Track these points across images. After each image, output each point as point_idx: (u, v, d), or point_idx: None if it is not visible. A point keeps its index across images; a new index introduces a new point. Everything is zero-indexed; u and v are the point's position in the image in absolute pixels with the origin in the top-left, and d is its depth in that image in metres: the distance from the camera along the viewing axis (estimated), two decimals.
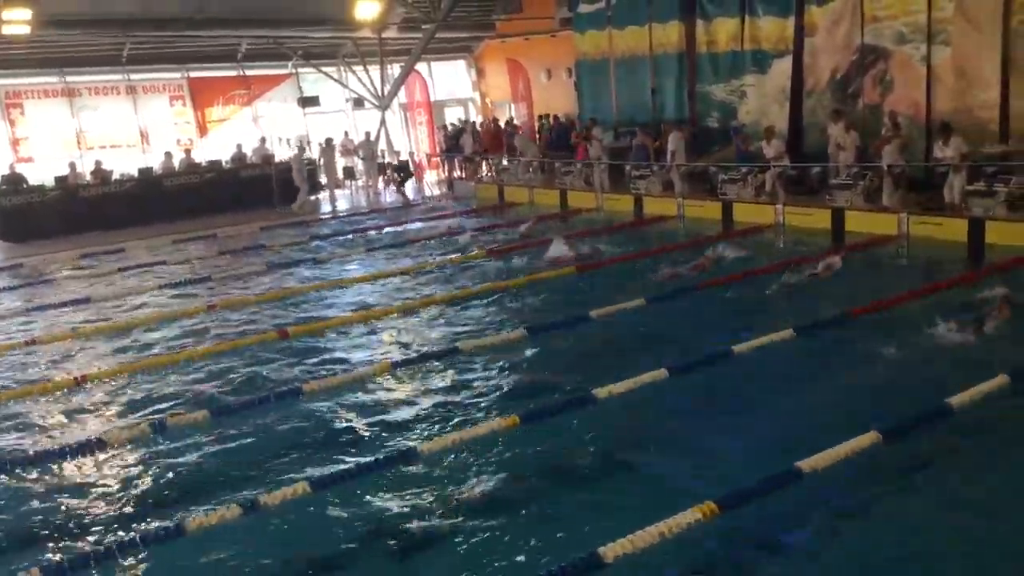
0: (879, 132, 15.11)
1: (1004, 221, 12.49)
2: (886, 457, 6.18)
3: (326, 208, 22.13)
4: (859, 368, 8.21)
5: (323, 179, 22.83)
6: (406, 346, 9.92)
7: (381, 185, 24.88)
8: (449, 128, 26.37)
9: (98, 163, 21.11)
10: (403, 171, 24.51)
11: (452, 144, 25.11)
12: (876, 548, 5.24)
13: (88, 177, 20.78)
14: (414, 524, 5.84)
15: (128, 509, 6.39)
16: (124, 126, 23.69)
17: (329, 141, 23.09)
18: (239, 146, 23.04)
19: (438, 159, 26.40)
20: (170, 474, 6.89)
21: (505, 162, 23.14)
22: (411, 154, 26.23)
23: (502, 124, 25.51)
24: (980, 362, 7.75)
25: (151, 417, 8.05)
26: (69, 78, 22.88)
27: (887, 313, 9.63)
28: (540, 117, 24.74)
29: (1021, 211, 12.64)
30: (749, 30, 18.08)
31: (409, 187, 24.83)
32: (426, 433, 7.30)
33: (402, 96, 27.23)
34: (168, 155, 22.13)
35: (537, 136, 24.20)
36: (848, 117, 15.76)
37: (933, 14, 14.83)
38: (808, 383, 7.97)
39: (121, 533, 5.98)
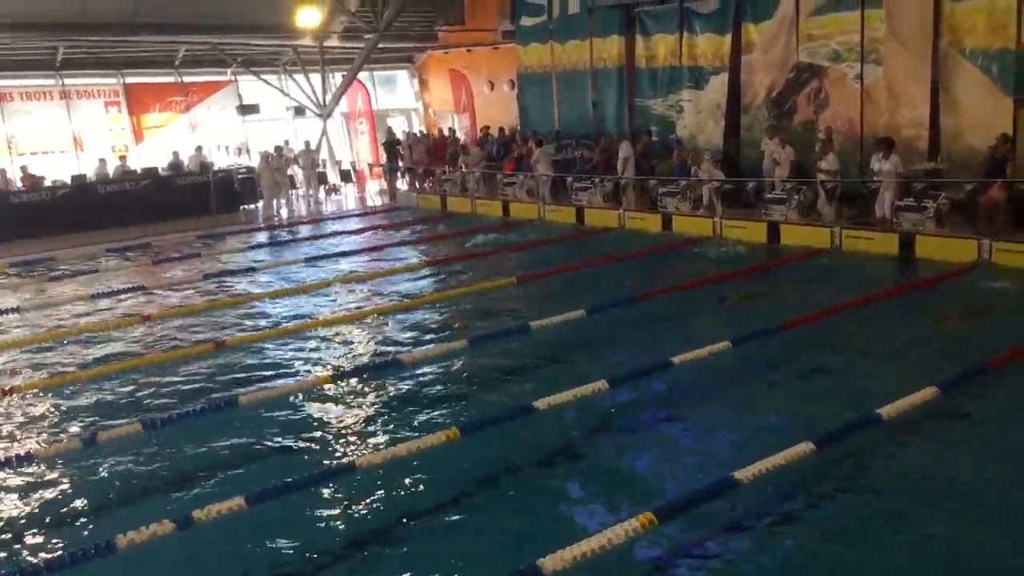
0: (814, 148, 15.47)
1: (932, 236, 12.88)
2: (819, 466, 6.31)
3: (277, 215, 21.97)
4: (793, 379, 8.39)
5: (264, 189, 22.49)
6: (346, 357, 9.84)
7: (322, 195, 24.69)
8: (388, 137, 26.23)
9: (24, 168, 20.53)
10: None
11: (389, 153, 24.96)
12: (811, 555, 5.34)
13: (18, 183, 20.21)
14: (352, 539, 5.79)
15: (56, 525, 6.22)
16: (57, 132, 23.08)
17: (279, 150, 22.87)
18: (175, 153, 22.63)
19: (380, 169, 26.25)
20: (100, 489, 6.72)
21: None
22: (345, 163, 26.08)
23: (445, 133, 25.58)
24: (911, 373, 7.95)
25: (81, 430, 7.86)
26: (0, 82, 22.26)
27: (821, 324, 9.83)
28: (482, 129, 24.77)
29: (948, 226, 13.05)
30: (687, 46, 18.38)
31: (351, 196, 24.72)
32: (365, 446, 7.24)
33: (343, 105, 27.07)
34: (102, 161, 21.63)
35: (480, 147, 24.20)
36: (783, 133, 16.11)
37: (866, 34, 15.25)
38: (745, 394, 8.11)
39: (49, 550, 5.83)
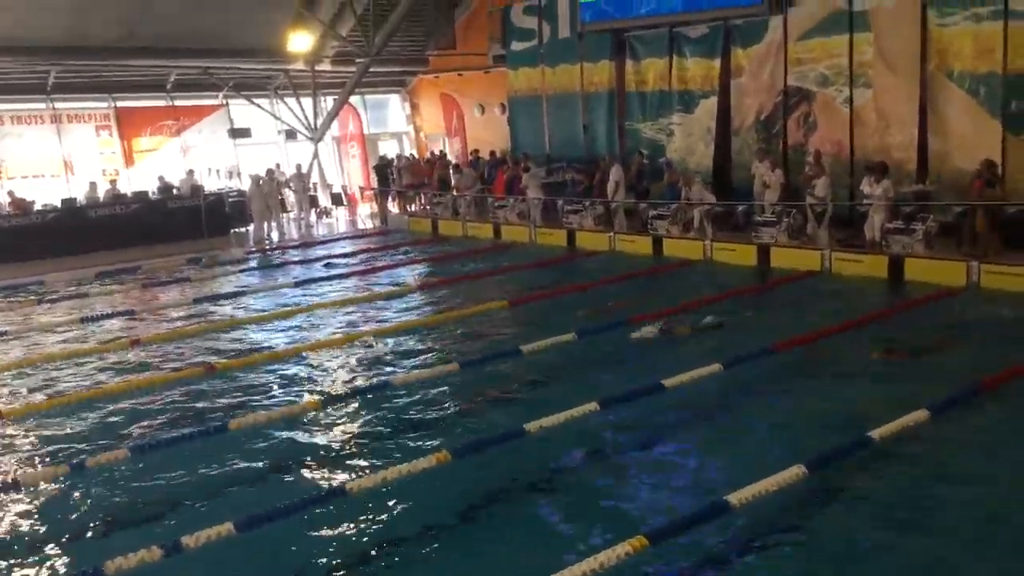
0: (803, 171, 15.56)
1: (922, 258, 12.93)
2: (811, 488, 6.29)
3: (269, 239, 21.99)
4: (784, 402, 8.38)
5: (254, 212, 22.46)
6: (336, 381, 9.80)
7: (313, 217, 24.71)
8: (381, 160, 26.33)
9: (11, 193, 20.52)
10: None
11: (381, 177, 25.07)
12: None
13: (7, 207, 20.15)
14: (342, 564, 5.74)
15: (43, 552, 6.15)
16: (47, 155, 23.06)
17: (270, 173, 22.91)
18: (161, 178, 22.63)
19: (371, 192, 26.32)
20: (88, 515, 6.66)
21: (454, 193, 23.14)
22: (337, 186, 26.18)
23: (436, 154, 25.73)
24: (902, 395, 7.95)
25: (69, 456, 7.79)
26: None
27: (811, 347, 9.84)
28: (472, 152, 24.85)
29: (937, 248, 13.11)
30: (677, 71, 18.51)
31: (342, 219, 24.77)
32: (356, 470, 7.20)
33: (335, 129, 27.14)
34: (93, 185, 21.63)
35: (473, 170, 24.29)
36: (773, 156, 16.21)
37: (855, 58, 15.39)
38: (736, 417, 8.10)
39: None
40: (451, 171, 23.66)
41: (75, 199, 20.86)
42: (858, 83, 15.45)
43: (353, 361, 10.58)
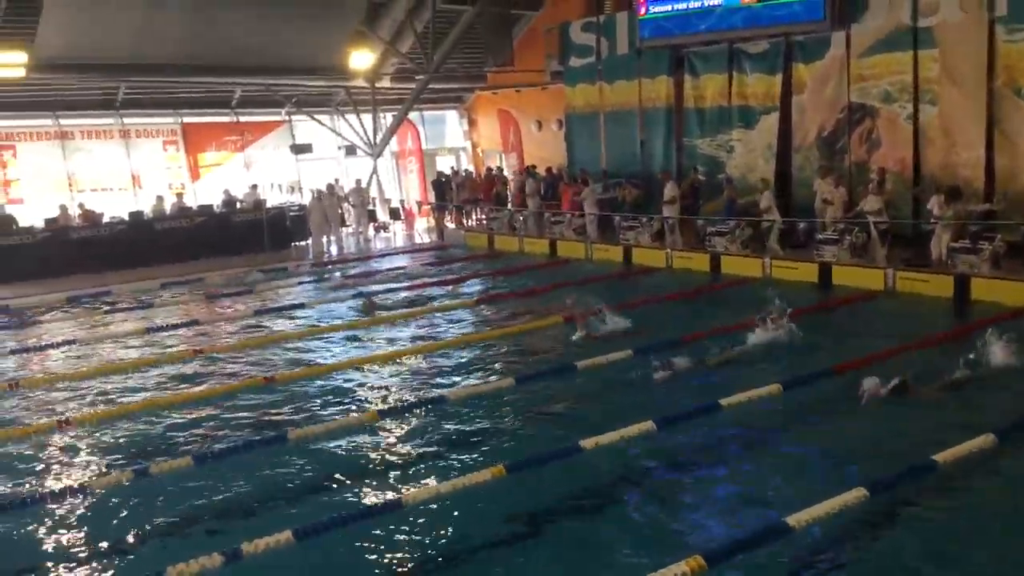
0: (867, 188, 15.32)
1: (988, 278, 12.62)
2: (873, 512, 6.17)
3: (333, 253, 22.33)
4: (845, 424, 8.22)
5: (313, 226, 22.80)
6: (393, 394, 9.87)
7: (371, 232, 24.99)
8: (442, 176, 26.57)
9: (81, 205, 21.15)
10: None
11: (438, 192, 25.30)
12: None
13: (78, 219, 20.76)
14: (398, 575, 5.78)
15: (108, 556, 6.29)
16: (116, 169, 23.70)
17: (330, 188, 23.28)
18: (225, 192, 23.13)
19: (428, 207, 26.55)
20: (151, 521, 6.79)
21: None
22: (395, 201, 26.52)
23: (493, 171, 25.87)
24: (968, 419, 7.76)
25: (134, 462, 7.97)
26: (62, 121, 22.92)
27: (874, 369, 9.63)
28: (529, 167, 24.90)
29: (1004, 269, 12.79)
30: (736, 86, 18.37)
31: (399, 234, 25.01)
32: (412, 482, 7.24)
33: (394, 144, 27.45)
34: (160, 199, 22.17)
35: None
36: (838, 173, 15.98)
37: (920, 74, 15.14)
38: (796, 438, 7.97)
39: None
40: (521, 178, 23.66)
41: (142, 212, 21.42)
42: (923, 100, 15.20)
43: (410, 374, 10.66)
